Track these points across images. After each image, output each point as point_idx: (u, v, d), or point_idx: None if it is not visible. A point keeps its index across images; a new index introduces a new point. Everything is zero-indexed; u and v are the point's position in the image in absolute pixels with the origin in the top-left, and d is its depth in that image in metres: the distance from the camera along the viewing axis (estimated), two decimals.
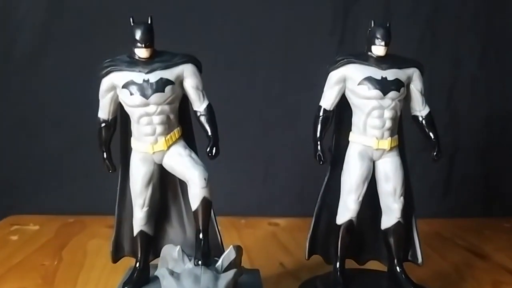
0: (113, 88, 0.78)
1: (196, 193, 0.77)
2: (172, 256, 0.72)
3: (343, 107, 0.86)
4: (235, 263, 0.73)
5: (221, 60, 1.44)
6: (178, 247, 0.72)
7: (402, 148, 0.88)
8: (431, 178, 1.57)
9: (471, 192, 1.58)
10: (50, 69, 1.43)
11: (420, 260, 0.90)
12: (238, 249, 0.76)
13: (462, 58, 1.55)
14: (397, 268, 0.86)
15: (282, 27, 1.49)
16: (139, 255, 0.83)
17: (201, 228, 0.78)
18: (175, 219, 0.88)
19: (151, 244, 0.84)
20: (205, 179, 0.77)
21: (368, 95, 0.82)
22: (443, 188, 1.59)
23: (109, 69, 0.77)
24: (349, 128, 0.86)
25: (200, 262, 0.72)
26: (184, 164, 0.78)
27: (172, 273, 0.66)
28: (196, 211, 0.78)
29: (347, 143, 0.87)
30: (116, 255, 0.87)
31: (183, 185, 0.84)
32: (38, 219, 1.44)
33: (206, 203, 0.77)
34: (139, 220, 0.82)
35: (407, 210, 0.88)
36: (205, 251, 0.76)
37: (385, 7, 1.51)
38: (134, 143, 0.81)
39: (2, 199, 1.46)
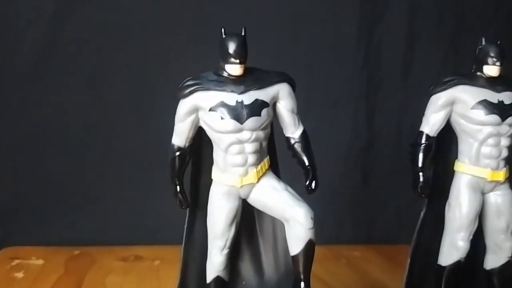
0: (196, 110, 0.67)
1: (300, 235, 0.65)
2: None
3: (443, 132, 0.78)
4: None
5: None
6: None
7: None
8: None
9: None
10: (52, 85, 1.30)
11: None
12: None
13: None
14: None
15: (303, 45, 1.40)
16: None
17: (302, 276, 0.66)
18: (250, 262, 0.76)
19: None
20: (311, 218, 0.65)
21: (484, 120, 0.73)
22: None
23: (193, 88, 0.65)
24: (452, 156, 0.78)
25: None
26: (283, 201, 0.66)
27: None
28: (297, 256, 0.66)
29: (447, 172, 0.78)
30: None
31: (261, 222, 0.73)
32: (40, 251, 1.29)
33: (310, 247, 0.66)
34: (217, 265, 0.69)
35: None
36: None
37: (409, 26, 1.47)
38: (218, 175, 0.68)
39: None
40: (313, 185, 0.70)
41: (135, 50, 1.32)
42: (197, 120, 0.68)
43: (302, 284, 0.67)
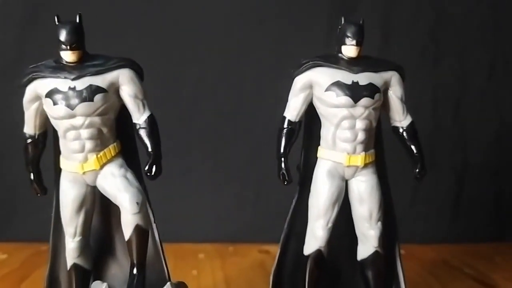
0: (38, 98, 0.68)
1: (127, 220, 0.66)
2: None
3: (313, 118, 0.75)
4: None
5: (209, 76, 1.37)
6: (105, 284, 0.60)
7: (382, 165, 0.76)
8: (438, 200, 1.47)
9: (482, 215, 1.47)
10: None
11: None
12: (179, 285, 0.64)
13: (469, 70, 1.45)
14: None
15: (274, 39, 1.40)
16: None
17: (135, 261, 0.66)
18: (120, 251, 0.76)
19: (88, 279, 0.72)
20: (137, 203, 0.65)
21: (336, 102, 0.70)
22: (452, 211, 1.48)
23: (31, 75, 0.67)
24: (318, 143, 0.74)
25: None
26: (115, 186, 0.67)
27: None
28: (129, 241, 0.66)
29: (315, 159, 0.74)
30: None
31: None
32: (8, 247, 1.34)
33: (139, 232, 0.66)
34: (71, 252, 0.71)
35: (389, 238, 0.75)
36: None
37: (384, 17, 1.42)
38: (62, 162, 0.70)
39: None
40: (152, 170, 0.71)
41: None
42: (41, 107, 0.70)
43: (135, 270, 0.66)
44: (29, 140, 0.71)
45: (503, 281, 1.15)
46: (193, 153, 1.40)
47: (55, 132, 0.71)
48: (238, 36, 1.41)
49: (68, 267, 0.72)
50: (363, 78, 0.71)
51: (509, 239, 1.44)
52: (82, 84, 0.66)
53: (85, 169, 0.68)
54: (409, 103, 1.47)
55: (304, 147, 0.77)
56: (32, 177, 0.72)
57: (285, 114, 0.75)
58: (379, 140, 0.77)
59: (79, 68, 0.67)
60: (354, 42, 0.70)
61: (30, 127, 0.71)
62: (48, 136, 0.72)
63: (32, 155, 0.71)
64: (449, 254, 1.35)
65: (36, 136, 0.71)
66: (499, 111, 1.46)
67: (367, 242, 0.74)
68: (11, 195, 1.41)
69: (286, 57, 1.38)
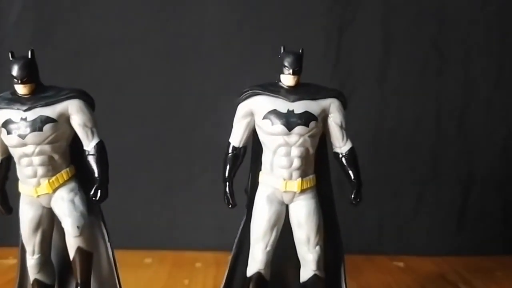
0: None
1: (70, 242, 0.71)
2: None
3: (259, 143, 0.77)
4: None
5: (208, 88, 1.40)
6: None
7: (327, 187, 0.76)
8: (442, 212, 1.45)
9: (488, 228, 1.45)
10: None
11: None
12: None
13: (474, 79, 1.42)
14: None
15: (269, 52, 1.42)
16: None
17: (78, 281, 0.71)
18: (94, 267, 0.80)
19: None
20: (78, 227, 0.70)
21: (272, 130, 0.72)
22: (456, 223, 1.46)
23: None
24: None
25: None
26: (62, 210, 0.72)
27: None
28: (73, 262, 0.71)
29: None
30: None
31: None
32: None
33: (81, 253, 0.71)
34: (31, 268, 0.76)
35: (334, 261, 0.76)
36: None
37: (383, 26, 1.41)
38: (20, 185, 0.76)
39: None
40: (97, 194, 0.75)
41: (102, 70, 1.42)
42: (0, 135, 0.75)
43: None
44: None
45: None
46: (195, 164, 1.43)
47: None
48: (238, 50, 1.43)
49: (31, 282, 0.77)
50: (299, 106, 0.72)
51: None
52: (33, 114, 0.71)
53: (38, 192, 0.74)
54: (412, 114, 1.47)
55: (251, 171, 0.79)
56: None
57: (230, 140, 0.78)
58: (324, 163, 0.77)
59: (31, 100, 0.72)
60: (290, 71, 0.72)
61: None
62: (12, 161, 0.77)
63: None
64: (449, 267, 1.34)
65: (0, 162, 0.76)
66: (506, 120, 1.44)
67: (307, 266, 0.75)
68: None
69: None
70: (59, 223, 0.76)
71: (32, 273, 0.76)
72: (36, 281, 0.76)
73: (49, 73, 1.40)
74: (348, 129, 0.76)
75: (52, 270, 0.78)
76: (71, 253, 0.72)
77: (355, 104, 1.48)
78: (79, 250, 0.71)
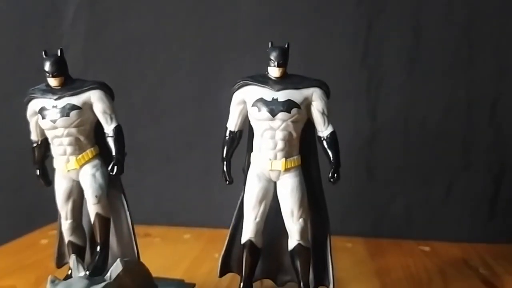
0: (35, 113, 0.89)
1: (90, 209, 0.84)
2: (71, 264, 0.79)
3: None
4: (128, 275, 0.77)
5: (246, 73, 1.47)
6: (74, 256, 0.78)
7: (313, 167, 0.85)
8: (474, 200, 1.47)
9: None
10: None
11: (331, 285, 0.85)
12: (131, 263, 0.80)
13: (505, 69, 1.43)
14: None
15: (301, 44, 1.49)
16: (70, 263, 0.91)
17: (98, 241, 0.84)
18: (116, 232, 0.95)
19: (82, 253, 0.92)
20: (96, 196, 0.83)
21: (258, 116, 0.81)
22: (487, 211, 1.48)
23: (29, 96, 0.87)
24: None
25: (87, 272, 0.77)
26: (85, 182, 0.85)
27: (53, 281, 0.73)
28: (93, 225, 0.85)
29: None
30: (59, 262, 0.97)
31: (112, 202, 0.91)
32: None
33: (100, 219, 0.84)
34: (65, 231, 0.91)
35: (321, 232, 0.84)
36: (98, 264, 0.82)
37: (413, 15, 1.44)
38: (54, 162, 0.90)
39: (49, 206, 1.64)
40: (114, 169, 0.87)
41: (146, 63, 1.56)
42: (38, 120, 0.89)
43: (98, 247, 0.85)
44: (34, 145, 0.92)
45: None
46: None
47: None
48: (259, 41, 1.51)
49: (66, 243, 0.92)
50: (282, 95, 0.81)
51: None
52: (62, 103, 0.86)
53: (68, 168, 0.88)
54: (443, 103, 1.48)
55: (248, 152, 0.89)
56: (38, 172, 0.93)
57: (227, 125, 0.88)
58: (312, 148, 0.86)
59: (61, 90, 0.86)
60: (275, 63, 0.81)
61: (34, 135, 0.92)
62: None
63: (37, 156, 0.93)
64: (475, 253, 1.36)
65: (39, 142, 0.91)
66: None
67: (292, 236, 0.85)
68: None
69: (316, 59, 1.48)
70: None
71: (67, 236, 0.91)
72: (70, 242, 0.91)
73: (100, 65, 1.59)
74: (330, 115, 0.83)
75: (83, 234, 0.92)
76: (92, 218, 0.86)
77: (385, 93, 1.53)
78: (97, 215, 0.85)
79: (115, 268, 0.76)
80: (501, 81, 1.43)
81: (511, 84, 1.42)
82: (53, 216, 1.64)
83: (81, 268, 0.77)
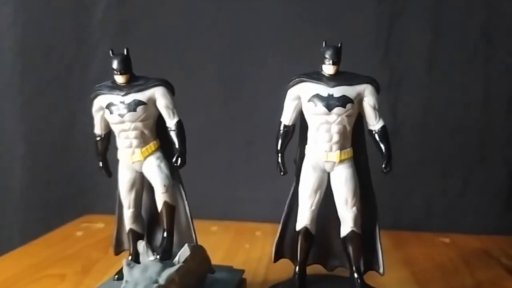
0: (101, 108, 0.94)
1: (158, 197, 0.90)
2: (139, 250, 0.84)
3: (306, 122, 0.92)
4: (194, 259, 0.83)
5: (269, 75, 1.54)
6: (143, 242, 0.84)
7: (364, 159, 0.91)
8: (491, 193, 1.53)
9: None
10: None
11: (381, 270, 0.91)
12: (197, 249, 0.86)
13: None
14: (355, 275, 0.89)
15: (324, 37, 1.54)
16: (131, 249, 0.97)
17: (165, 227, 0.90)
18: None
19: (141, 240, 0.97)
20: (164, 185, 0.89)
21: (315, 111, 0.87)
22: (504, 204, 1.53)
23: (96, 92, 0.93)
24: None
25: (158, 256, 0.83)
26: (151, 173, 0.91)
27: (129, 264, 0.78)
28: (161, 213, 0.90)
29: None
30: (117, 249, 1.02)
31: None
32: (107, 218, 1.59)
33: (167, 207, 0.90)
34: (127, 220, 0.96)
35: (370, 220, 0.90)
36: (166, 248, 0.88)
37: (433, 14, 1.50)
38: (119, 154, 0.95)
39: (80, 199, 1.70)
40: (178, 161, 0.92)
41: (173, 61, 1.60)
42: (104, 114, 0.95)
43: (165, 233, 0.91)
44: (98, 138, 0.97)
45: None
46: (256, 145, 1.60)
47: None
48: (294, 44, 1.54)
49: (126, 231, 0.97)
50: (337, 91, 0.87)
51: None
52: (129, 98, 0.91)
53: (133, 159, 0.93)
54: (461, 99, 1.54)
55: (299, 145, 0.95)
56: (101, 164, 0.98)
57: (281, 119, 0.93)
58: (361, 140, 0.91)
59: (127, 87, 0.91)
60: (331, 62, 0.86)
61: (98, 129, 0.97)
62: (112, 135, 0.97)
63: (101, 149, 0.98)
64: (494, 245, 1.42)
65: (103, 135, 0.97)
66: None
67: (346, 223, 0.90)
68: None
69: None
70: (148, 184, 0.96)
71: (128, 224, 0.97)
72: (131, 230, 0.97)
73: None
74: (380, 110, 0.89)
75: (143, 223, 0.98)
76: (159, 206, 0.91)
77: (405, 90, 1.59)
78: (165, 203, 0.91)
79: (183, 253, 0.82)
80: None
81: None
82: (83, 209, 1.71)
83: (150, 253, 0.83)
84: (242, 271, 0.99)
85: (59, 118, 1.68)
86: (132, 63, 1.61)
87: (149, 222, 0.99)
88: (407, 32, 1.50)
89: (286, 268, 1.01)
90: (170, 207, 0.91)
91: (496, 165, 1.51)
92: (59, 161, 1.70)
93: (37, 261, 1.28)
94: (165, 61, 1.59)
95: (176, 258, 0.82)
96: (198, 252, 0.87)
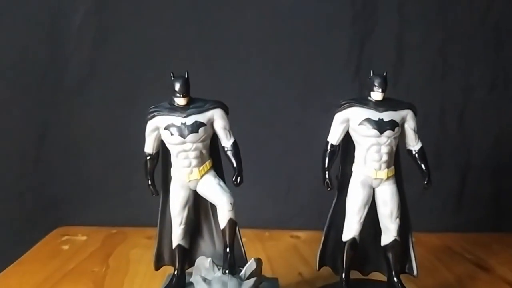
0: (157, 129, 0.96)
1: (224, 215, 0.94)
2: (204, 266, 0.88)
3: (348, 141, 1.01)
4: (256, 272, 0.89)
5: (247, 88, 1.61)
6: (210, 258, 0.88)
7: (399, 177, 1.02)
8: (444, 195, 1.69)
9: (482, 209, 1.69)
10: (95, 98, 1.62)
11: (415, 272, 1.04)
12: (258, 261, 0.92)
13: (473, 83, 1.66)
14: (394, 279, 1.01)
15: (302, 58, 1.62)
16: (177, 264, 0.99)
17: (227, 243, 0.95)
18: (207, 235, 1.05)
19: (186, 255, 1.01)
20: (231, 203, 0.93)
21: (367, 133, 0.96)
22: (455, 204, 1.70)
23: (154, 113, 0.94)
24: (353, 160, 1.01)
25: (227, 271, 0.87)
26: (214, 191, 0.95)
27: (204, 279, 0.82)
28: (224, 230, 0.95)
29: (351, 172, 1.01)
30: (158, 264, 1.04)
31: (213, 207, 1.01)
32: (85, 230, 1.61)
33: (232, 223, 0.94)
34: (177, 236, 0.99)
35: (404, 229, 1.02)
36: (231, 263, 0.92)
37: (398, 38, 1.64)
38: (173, 173, 0.98)
39: (53, 211, 1.64)
40: (238, 180, 0.97)
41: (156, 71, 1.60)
42: (159, 135, 0.96)
43: (228, 249, 0.95)
44: (148, 157, 0.99)
45: (499, 266, 1.37)
46: (295, 161, 1.65)
47: (163, 151, 0.99)
48: (272, 59, 1.62)
49: (174, 246, 1.00)
50: (386, 116, 0.97)
51: (506, 230, 1.66)
52: (190, 120, 0.94)
53: (190, 178, 0.96)
54: (420, 111, 1.70)
55: (341, 162, 1.04)
56: (149, 183, 1.00)
57: (328, 139, 1.01)
58: (397, 159, 1.03)
59: (187, 109, 0.94)
60: (380, 90, 0.96)
61: (149, 148, 0.98)
62: (160, 154, 0.99)
63: (150, 167, 0.99)
64: (452, 241, 1.57)
65: (154, 154, 0.98)
66: (499, 119, 1.69)
67: (389, 233, 1.01)
68: (85, 187, 1.68)
69: (311, 77, 1.64)
70: (198, 201, 0.99)
71: (177, 240, 0.99)
72: (179, 246, 0.99)
73: (106, 71, 1.61)
74: (419, 133, 1.01)
75: (188, 238, 1.01)
76: (223, 223, 0.95)
77: None
78: (230, 220, 0.94)
79: (249, 267, 0.87)
80: (467, 94, 1.67)
81: (477, 96, 1.67)
82: (57, 221, 1.65)
83: (216, 268, 0.87)
84: (276, 279, 1.06)
85: (31, 127, 1.61)
86: (111, 71, 1.60)
87: (192, 237, 1.02)
88: (375, 52, 1.63)
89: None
90: (234, 224, 0.95)
91: (449, 170, 1.68)
92: (31, 172, 1.63)
93: (43, 279, 1.24)
94: (146, 71, 1.59)
95: (243, 272, 0.87)
96: (260, 265, 0.92)
